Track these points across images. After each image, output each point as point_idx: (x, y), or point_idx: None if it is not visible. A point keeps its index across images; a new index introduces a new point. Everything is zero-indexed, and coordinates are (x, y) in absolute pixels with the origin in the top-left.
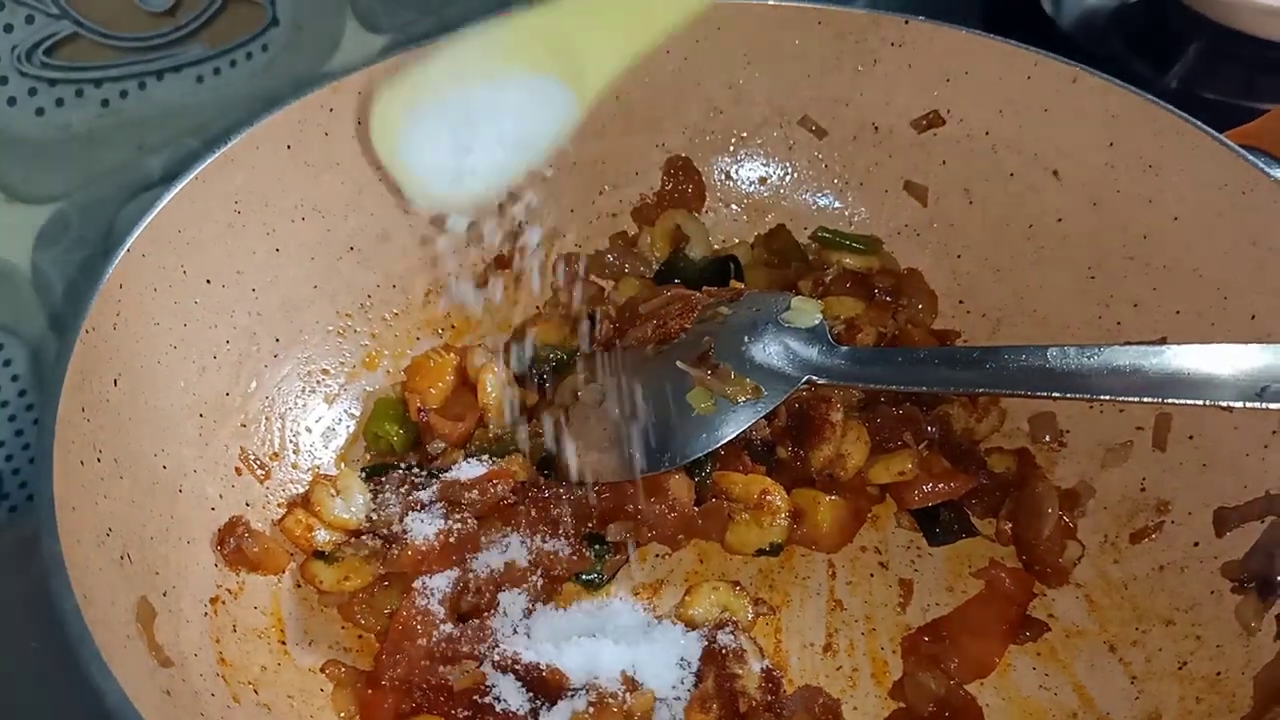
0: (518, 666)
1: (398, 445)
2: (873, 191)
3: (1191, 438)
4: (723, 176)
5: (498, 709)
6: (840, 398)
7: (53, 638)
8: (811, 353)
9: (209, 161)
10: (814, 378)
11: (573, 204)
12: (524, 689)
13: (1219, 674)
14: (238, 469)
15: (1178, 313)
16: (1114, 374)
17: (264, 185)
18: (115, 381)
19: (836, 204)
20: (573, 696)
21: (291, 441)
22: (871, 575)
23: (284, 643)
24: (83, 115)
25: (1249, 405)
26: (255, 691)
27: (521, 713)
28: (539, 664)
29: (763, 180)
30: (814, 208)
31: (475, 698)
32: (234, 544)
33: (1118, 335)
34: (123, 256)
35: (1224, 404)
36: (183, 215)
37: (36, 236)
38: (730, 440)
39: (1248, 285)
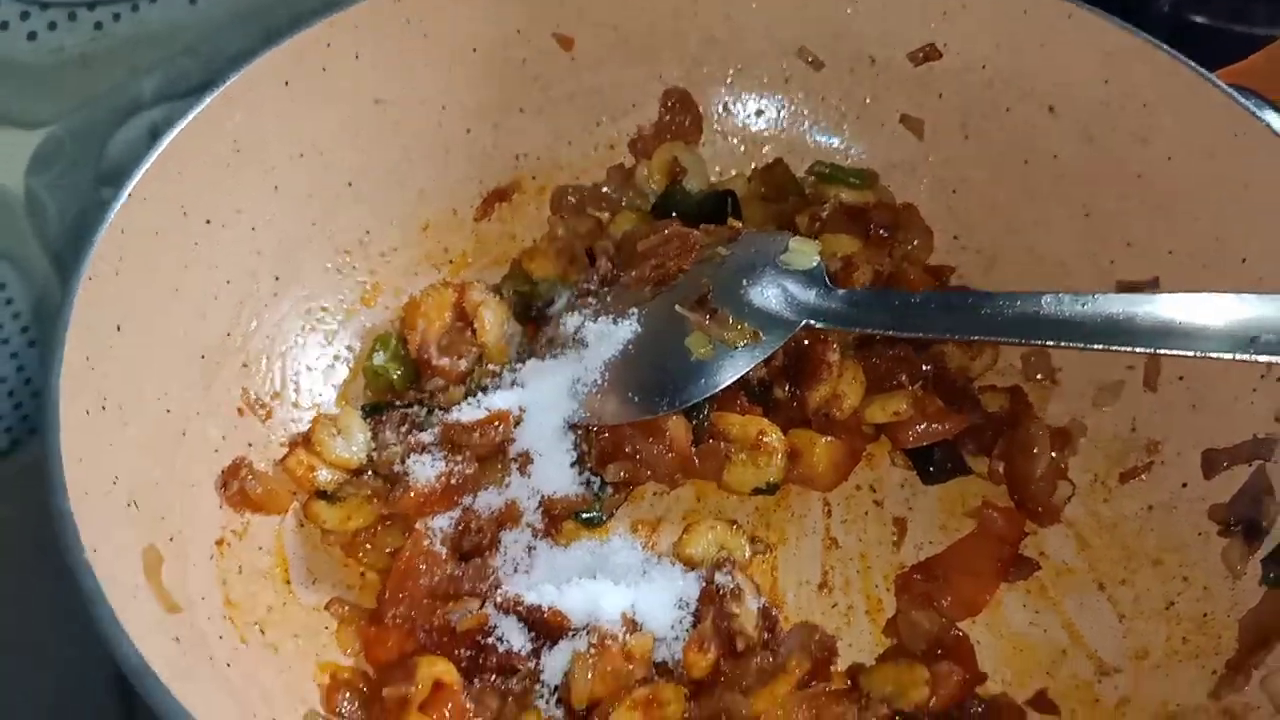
0: (520, 608)
1: (397, 383)
2: (869, 125)
3: (1182, 378)
4: (720, 109)
5: (500, 649)
6: (837, 338)
7: (50, 564)
8: (809, 296)
9: (208, 102)
10: (812, 322)
11: (570, 136)
12: (526, 630)
13: (1205, 615)
14: (240, 410)
15: (1170, 253)
16: (1107, 322)
17: (262, 123)
18: (118, 328)
19: (833, 137)
20: (573, 637)
21: (293, 381)
22: (866, 514)
23: (289, 582)
24: (75, 38)
25: (1239, 357)
26: (262, 632)
27: (524, 653)
28: (540, 606)
29: (759, 113)
30: (811, 141)
31: (478, 638)
32: (237, 486)
33: (1110, 274)
34: (123, 202)
35: (1215, 355)
36: (182, 157)
37: (30, 161)
38: (728, 385)
39: (1239, 229)
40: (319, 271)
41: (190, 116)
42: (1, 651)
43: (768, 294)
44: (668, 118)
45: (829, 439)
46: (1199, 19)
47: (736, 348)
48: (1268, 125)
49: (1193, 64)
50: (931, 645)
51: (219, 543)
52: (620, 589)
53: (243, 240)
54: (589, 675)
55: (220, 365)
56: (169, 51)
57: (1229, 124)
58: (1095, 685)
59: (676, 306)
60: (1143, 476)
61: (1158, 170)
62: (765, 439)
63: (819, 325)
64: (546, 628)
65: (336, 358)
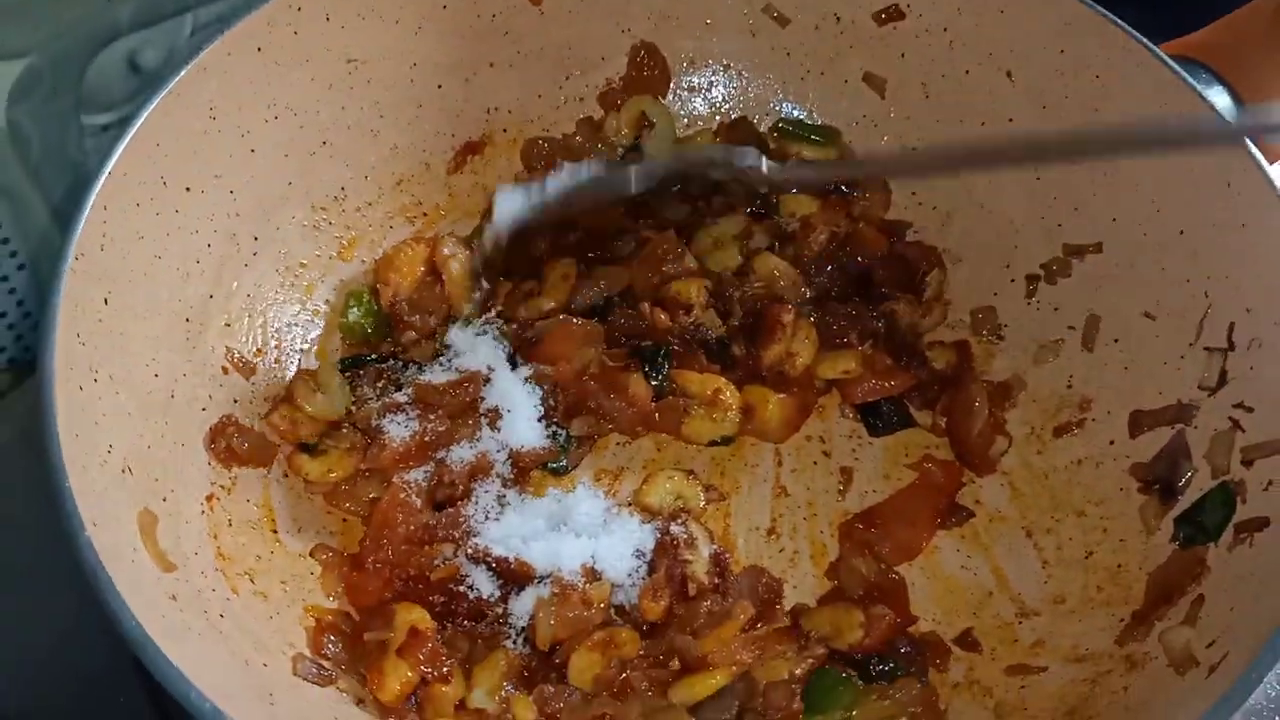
0: (489, 559)
1: (371, 337)
2: (833, 82)
3: (1117, 340)
4: (686, 64)
5: (470, 596)
6: (791, 296)
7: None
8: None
9: (182, 74)
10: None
11: (539, 89)
12: (494, 578)
13: (1119, 566)
14: (224, 369)
15: (1114, 220)
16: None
17: (237, 89)
18: (106, 301)
19: (797, 94)
20: (538, 584)
21: (274, 337)
22: (815, 463)
23: (275, 531)
24: None
25: None
26: (251, 581)
27: (492, 599)
28: (508, 557)
29: (726, 68)
30: (775, 97)
31: (450, 586)
32: (224, 443)
33: (1058, 235)
34: (104, 179)
35: None
36: (159, 129)
37: (9, 91)
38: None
39: (1179, 201)
40: (296, 229)
41: (165, 89)
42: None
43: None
44: (635, 71)
45: (781, 395)
46: None
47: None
48: (1211, 105)
49: (1145, 40)
50: (868, 589)
51: (209, 499)
52: (581, 541)
53: (222, 204)
54: (551, 620)
55: (204, 327)
56: None
57: (1175, 101)
58: (1016, 626)
59: None
60: (1075, 431)
61: None
62: (721, 395)
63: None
64: (513, 576)
65: (315, 312)
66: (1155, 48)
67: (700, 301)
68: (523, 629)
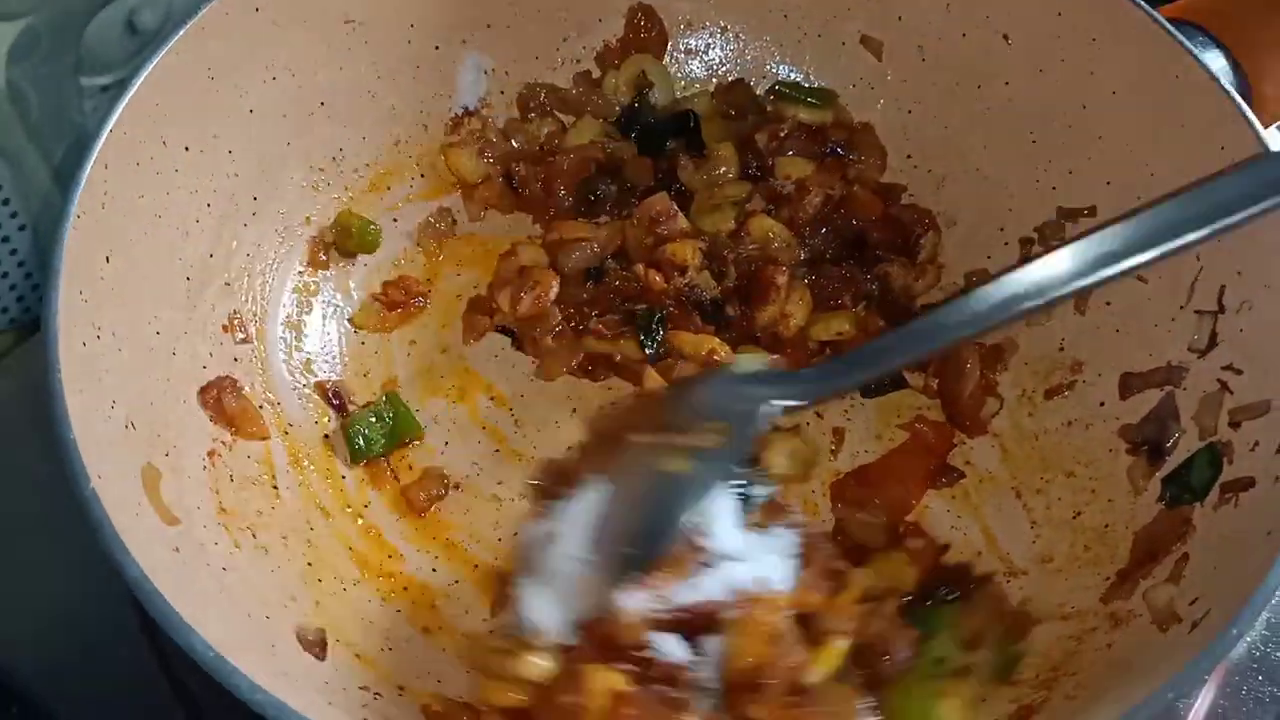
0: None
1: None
2: (830, 44)
3: (1109, 303)
4: (684, 25)
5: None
6: (785, 258)
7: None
8: (765, 388)
9: (181, 34)
10: (775, 404)
11: (536, 50)
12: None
13: (1106, 526)
14: (224, 326)
15: (1108, 184)
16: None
17: (235, 49)
18: (107, 259)
19: (794, 57)
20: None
21: (274, 294)
22: (808, 424)
23: (275, 487)
24: None
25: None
26: (253, 535)
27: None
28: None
29: (723, 30)
30: (772, 60)
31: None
32: (215, 396)
33: (1051, 200)
34: (104, 138)
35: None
36: (159, 89)
37: (8, 53)
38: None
39: (1172, 166)
40: (295, 189)
41: (164, 49)
42: (3, 524)
43: (724, 394)
44: (632, 33)
45: (775, 357)
46: None
47: (710, 452)
48: (1206, 68)
49: (1141, 3)
50: (889, 535)
51: (210, 454)
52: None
53: (221, 164)
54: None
55: (205, 285)
56: None
57: (1171, 65)
58: (1004, 585)
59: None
60: (1066, 394)
61: (1101, 104)
62: (716, 356)
63: (783, 408)
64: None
65: (315, 272)
66: (1152, 10)
67: (695, 263)
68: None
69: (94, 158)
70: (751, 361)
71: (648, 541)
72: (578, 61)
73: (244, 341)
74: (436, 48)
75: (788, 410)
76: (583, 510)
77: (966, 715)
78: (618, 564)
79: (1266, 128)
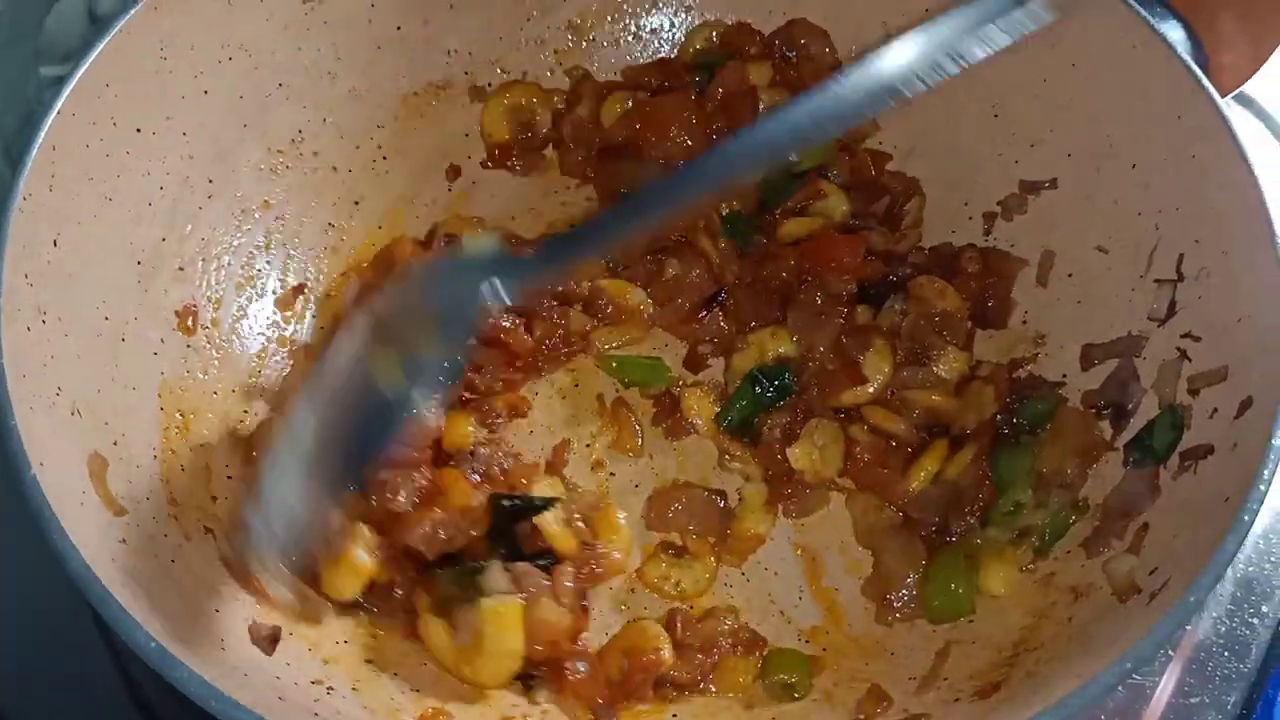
0: None
1: None
2: None
3: (1071, 275)
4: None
5: None
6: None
7: None
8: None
9: (133, 13)
10: (499, 291)
11: (500, 31)
12: None
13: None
14: (177, 313)
15: (1069, 155)
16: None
17: (189, 29)
18: (55, 242)
19: None
20: None
21: (228, 280)
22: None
23: (230, 478)
24: None
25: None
26: (204, 528)
27: None
28: None
29: (688, 9)
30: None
31: None
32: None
33: (1014, 172)
34: (52, 119)
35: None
36: (109, 69)
37: None
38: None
39: (1131, 137)
40: (253, 173)
41: (116, 29)
42: None
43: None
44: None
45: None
46: None
47: (422, 357)
48: (1164, 39)
49: None
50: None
51: (161, 444)
52: None
53: (174, 146)
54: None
55: (156, 270)
56: None
57: (1130, 36)
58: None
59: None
60: (1029, 366)
61: (1062, 76)
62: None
63: (510, 289)
64: None
65: (270, 250)
66: None
67: None
68: None
69: (41, 139)
70: (479, 243)
71: (361, 461)
72: (541, 42)
73: (197, 328)
74: (398, 28)
75: (511, 292)
76: (301, 429)
77: (1009, 581)
78: (334, 481)
79: (1223, 96)
